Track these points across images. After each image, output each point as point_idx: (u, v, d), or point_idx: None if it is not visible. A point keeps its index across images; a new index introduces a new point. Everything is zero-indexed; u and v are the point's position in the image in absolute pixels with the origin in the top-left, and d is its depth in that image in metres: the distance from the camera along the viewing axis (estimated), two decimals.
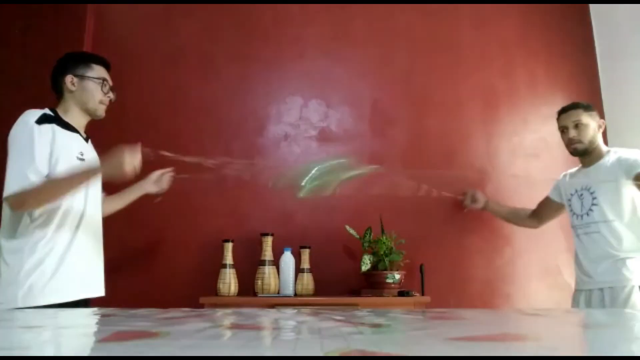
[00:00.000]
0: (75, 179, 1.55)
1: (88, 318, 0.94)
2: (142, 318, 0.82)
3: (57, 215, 1.57)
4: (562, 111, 2.12)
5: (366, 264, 2.44)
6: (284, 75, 2.90)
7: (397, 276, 2.43)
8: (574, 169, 2.22)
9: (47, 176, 1.51)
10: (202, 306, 2.23)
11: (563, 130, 2.09)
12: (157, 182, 1.89)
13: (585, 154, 2.06)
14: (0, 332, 0.67)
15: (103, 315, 0.96)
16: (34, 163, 1.48)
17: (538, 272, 2.76)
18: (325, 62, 2.92)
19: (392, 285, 2.41)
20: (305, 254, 2.51)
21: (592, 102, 3.02)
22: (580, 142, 2.04)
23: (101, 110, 1.71)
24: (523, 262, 2.74)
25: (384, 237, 2.48)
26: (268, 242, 2.49)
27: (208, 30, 2.90)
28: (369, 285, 2.45)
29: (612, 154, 2.03)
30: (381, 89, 2.92)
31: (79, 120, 1.70)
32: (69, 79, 1.67)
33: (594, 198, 2.00)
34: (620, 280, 1.89)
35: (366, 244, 2.50)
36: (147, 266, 2.59)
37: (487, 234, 2.77)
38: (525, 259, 2.74)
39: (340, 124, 2.87)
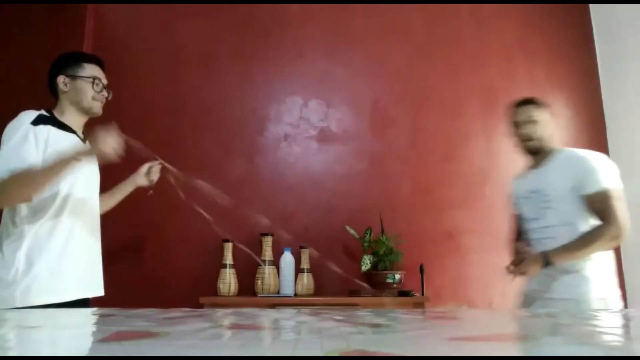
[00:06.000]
0: (54, 168, 1.49)
1: (88, 318, 0.94)
2: (142, 318, 0.82)
3: (53, 214, 1.57)
4: (516, 105, 1.97)
5: (366, 264, 2.44)
6: (284, 75, 2.90)
7: (397, 276, 2.43)
8: (519, 173, 2.07)
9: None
10: (202, 306, 2.23)
11: (516, 125, 1.94)
12: (147, 174, 1.89)
13: (536, 153, 1.91)
14: (0, 332, 0.67)
15: (103, 315, 0.96)
16: (22, 162, 1.47)
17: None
18: (325, 62, 2.92)
19: (393, 285, 2.41)
20: (305, 254, 2.51)
21: (592, 102, 3.03)
22: (533, 139, 1.89)
23: (96, 108, 1.70)
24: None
25: (384, 237, 2.48)
26: (268, 242, 2.49)
27: (208, 30, 2.90)
28: (369, 285, 2.45)
29: (563, 154, 1.88)
30: (381, 88, 2.92)
31: (75, 120, 1.70)
32: (61, 79, 1.68)
33: (547, 200, 1.83)
34: (579, 292, 1.74)
35: (366, 244, 2.50)
36: (147, 266, 2.59)
37: (486, 234, 2.77)
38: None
39: (340, 124, 2.87)
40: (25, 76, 2.60)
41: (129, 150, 1.63)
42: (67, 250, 1.58)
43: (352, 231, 2.52)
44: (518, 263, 1.82)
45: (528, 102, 1.94)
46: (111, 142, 1.50)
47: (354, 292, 2.49)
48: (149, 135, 2.80)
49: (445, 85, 2.94)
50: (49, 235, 1.55)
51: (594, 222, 1.76)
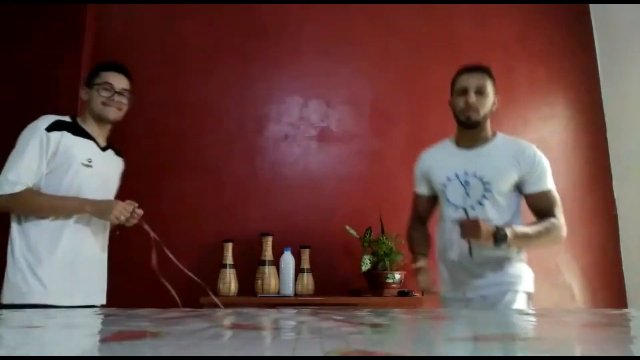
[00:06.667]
0: (63, 206, 1.58)
1: (88, 318, 0.94)
2: (142, 318, 0.82)
3: (61, 220, 1.58)
4: (466, 70, 1.68)
5: (366, 264, 2.44)
6: (284, 75, 2.90)
7: (397, 276, 2.43)
8: (440, 147, 1.78)
9: (36, 184, 1.55)
10: (202, 306, 2.23)
11: (461, 92, 1.65)
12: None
13: (473, 128, 1.65)
14: (0, 332, 0.67)
15: (103, 315, 0.96)
16: (21, 169, 1.53)
17: (538, 272, 2.75)
18: (325, 61, 2.92)
19: (393, 285, 2.41)
20: (305, 254, 2.51)
21: (592, 102, 3.03)
22: (477, 111, 1.62)
23: (107, 112, 1.69)
24: None
25: (384, 237, 2.48)
26: (268, 242, 2.49)
27: (208, 30, 2.90)
28: (369, 285, 2.45)
29: (504, 140, 1.67)
30: (381, 88, 2.92)
31: (94, 128, 1.72)
32: (82, 91, 1.74)
33: (487, 190, 1.58)
34: (506, 285, 1.58)
35: (366, 244, 2.50)
36: (147, 266, 2.59)
37: None
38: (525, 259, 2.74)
39: (340, 124, 2.87)
40: (26, 75, 2.60)
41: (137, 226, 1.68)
42: (68, 256, 1.58)
43: (352, 231, 2.52)
44: (423, 279, 1.61)
45: (483, 69, 1.69)
46: (120, 214, 1.58)
47: (354, 292, 2.49)
48: (148, 135, 2.81)
49: (445, 85, 2.93)
50: (54, 239, 1.56)
51: (517, 216, 1.63)
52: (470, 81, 1.65)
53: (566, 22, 3.11)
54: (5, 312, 1.13)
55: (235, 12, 2.91)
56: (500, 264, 1.60)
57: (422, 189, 1.80)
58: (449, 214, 1.65)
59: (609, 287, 2.76)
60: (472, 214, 1.59)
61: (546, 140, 2.88)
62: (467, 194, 1.61)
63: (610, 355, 0.43)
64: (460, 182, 1.63)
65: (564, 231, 1.58)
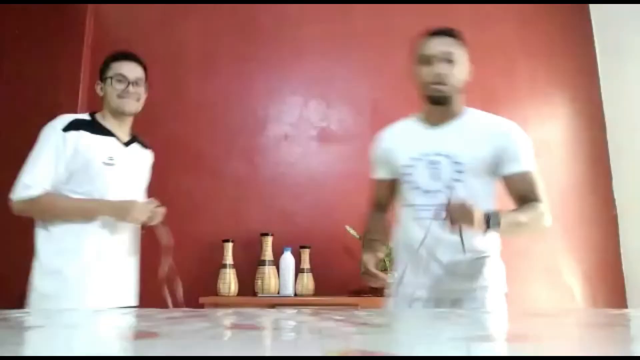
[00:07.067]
0: (80, 209, 1.54)
1: (88, 318, 0.94)
2: (142, 318, 0.82)
3: (85, 223, 1.54)
4: (430, 35, 1.43)
5: None
6: (284, 75, 2.90)
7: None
8: (403, 125, 1.61)
9: (55, 187, 1.52)
10: (202, 306, 2.23)
11: (427, 61, 1.41)
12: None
13: (442, 103, 1.43)
14: (1, 332, 0.67)
15: (104, 316, 0.96)
16: (36, 172, 1.50)
17: (538, 272, 2.76)
18: (325, 62, 2.92)
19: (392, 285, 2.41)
20: (305, 254, 2.51)
21: (592, 102, 3.03)
22: (447, 83, 1.39)
23: (124, 105, 1.64)
24: (523, 262, 2.74)
25: None
26: (268, 242, 2.49)
27: (208, 31, 2.90)
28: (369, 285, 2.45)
29: (473, 114, 1.48)
30: (381, 89, 2.92)
31: (113, 123, 1.67)
32: (98, 87, 1.68)
33: (459, 171, 1.37)
34: (480, 286, 1.38)
35: None
36: (147, 266, 2.59)
37: None
38: (525, 259, 2.74)
39: (340, 124, 2.87)
40: (25, 75, 2.60)
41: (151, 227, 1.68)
42: (94, 259, 1.54)
43: (352, 231, 2.52)
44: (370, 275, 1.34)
45: (446, 33, 1.43)
46: (140, 216, 1.56)
47: (354, 292, 2.49)
48: (148, 135, 2.80)
49: None
50: (78, 242, 1.53)
51: (492, 201, 1.42)
52: (436, 48, 1.40)
53: (566, 22, 3.11)
54: (5, 312, 1.13)
55: (235, 13, 2.91)
56: (478, 261, 1.40)
57: (382, 173, 1.59)
58: (413, 199, 1.43)
59: (609, 287, 2.76)
60: (439, 197, 1.33)
61: (546, 140, 2.87)
62: (437, 176, 1.39)
63: (610, 355, 0.43)
64: (428, 162, 1.42)
65: (550, 218, 1.38)
